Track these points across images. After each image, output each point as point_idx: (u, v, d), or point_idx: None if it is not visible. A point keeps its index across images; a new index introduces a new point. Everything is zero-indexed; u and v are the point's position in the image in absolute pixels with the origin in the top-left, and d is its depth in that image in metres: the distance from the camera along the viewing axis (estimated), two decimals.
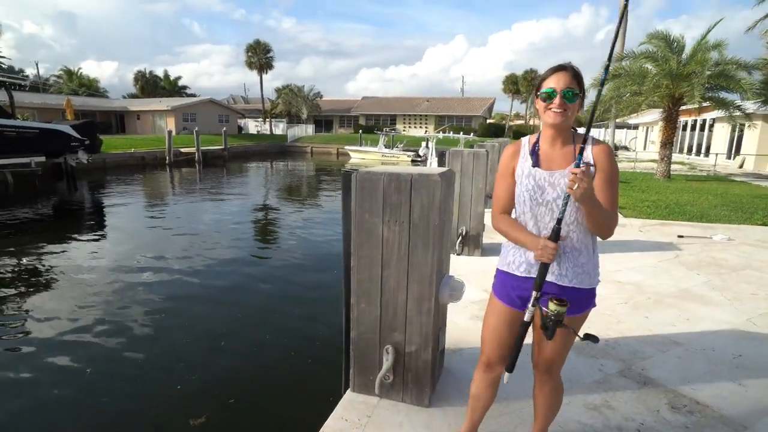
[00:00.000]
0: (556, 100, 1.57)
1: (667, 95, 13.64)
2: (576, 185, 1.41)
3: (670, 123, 14.11)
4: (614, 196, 1.62)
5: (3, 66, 39.17)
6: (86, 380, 4.00)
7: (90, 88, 46.22)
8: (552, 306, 1.48)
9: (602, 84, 1.77)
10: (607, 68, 1.71)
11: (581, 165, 1.43)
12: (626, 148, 34.52)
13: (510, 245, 1.76)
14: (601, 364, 2.84)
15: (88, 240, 9.24)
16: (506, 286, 1.75)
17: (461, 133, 30.70)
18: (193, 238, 9.20)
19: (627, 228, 7.00)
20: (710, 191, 11.29)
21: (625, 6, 1.71)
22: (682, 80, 12.95)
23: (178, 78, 53.54)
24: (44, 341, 4.67)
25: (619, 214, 8.10)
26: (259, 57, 46.23)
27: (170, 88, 51.17)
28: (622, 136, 37.95)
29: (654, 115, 23.03)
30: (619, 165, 19.90)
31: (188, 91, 54.53)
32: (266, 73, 47.77)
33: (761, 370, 2.79)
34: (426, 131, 45.37)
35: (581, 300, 1.67)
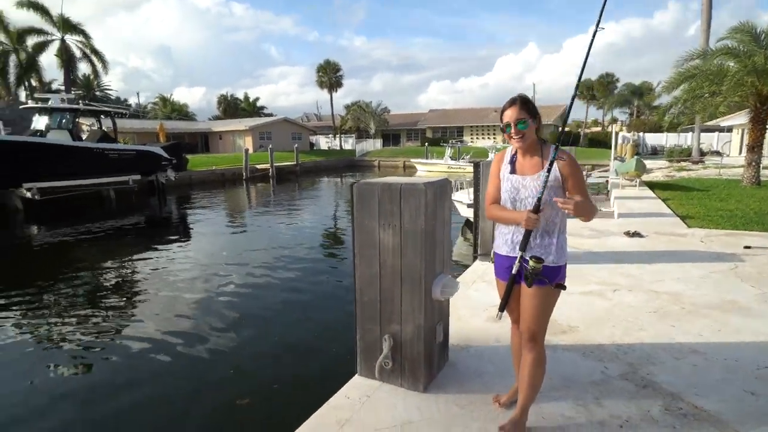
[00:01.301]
0: (513, 132, 2.04)
1: (752, 93, 12.49)
2: (568, 210, 1.89)
3: (759, 124, 12.85)
4: (586, 192, 2.05)
5: (111, 97, 44.84)
6: (164, 362, 4.69)
7: (180, 112, 51.34)
8: (531, 263, 1.99)
9: (572, 99, 2.11)
10: (576, 86, 2.04)
11: (558, 202, 1.92)
12: (718, 153, 31.45)
13: (498, 234, 2.22)
14: (605, 366, 2.89)
15: (174, 247, 10.45)
16: (497, 264, 2.25)
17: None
18: (264, 247, 10.05)
19: (687, 238, 6.61)
20: None
21: (596, 31, 2.00)
22: None
23: (257, 99, 57.73)
24: (126, 332, 5.50)
25: (683, 222, 7.60)
26: (329, 76, 48.53)
27: (249, 108, 55.26)
28: (713, 140, 34.65)
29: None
30: (703, 171, 18.37)
31: (266, 111, 58.53)
32: (336, 91, 50.01)
33: None
34: (494, 141, 44.68)
35: (548, 274, 2.04)
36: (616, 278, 4.70)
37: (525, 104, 2.03)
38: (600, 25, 2.02)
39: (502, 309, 2.16)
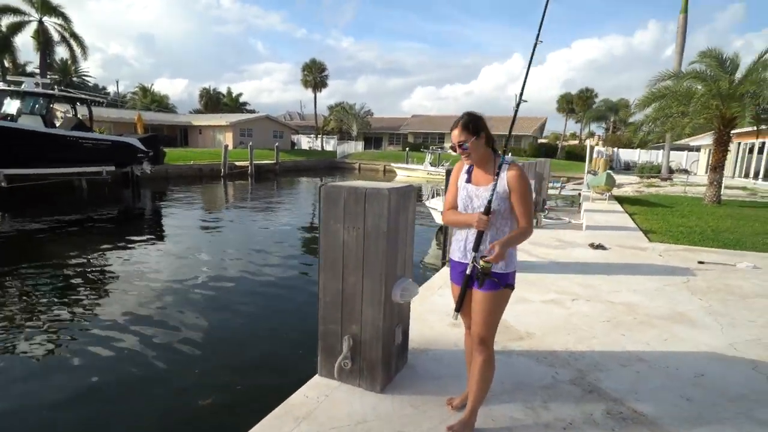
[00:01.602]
0: (459, 151, 2.21)
1: (716, 116, 13.09)
2: (493, 259, 2.06)
3: (721, 145, 13.47)
4: (527, 208, 2.17)
5: (88, 84, 43.64)
6: (127, 360, 4.63)
7: (160, 104, 50.38)
8: (482, 263, 2.12)
9: (514, 116, 2.26)
10: (518, 105, 2.20)
11: (487, 254, 2.10)
12: (686, 171, 32.68)
13: (453, 240, 2.37)
14: (556, 371, 3.03)
15: (145, 241, 10.28)
16: (452, 268, 2.41)
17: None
18: (237, 245, 9.98)
19: (647, 252, 6.90)
20: (760, 218, 10.68)
21: (535, 44, 2.18)
22: (734, 101, 12.41)
23: (240, 95, 57.12)
24: (90, 328, 5.41)
25: (645, 236, 7.78)
26: (314, 76, 48.36)
27: (232, 104, 54.61)
28: (682, 159, 35.97)
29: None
30: (671, 189, 19.08)
31: (248, 107, 57.96)
32: (320, 91, 49.82)
33: (717, 390, 2.87)
34: None
35: (494, 281, 2.17)
36: (576, 288, 4.89)
37: (465, 126, 2.18)
38: (540, 39, 2.28)
39: (457, 309, 2.28)
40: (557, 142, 53.84)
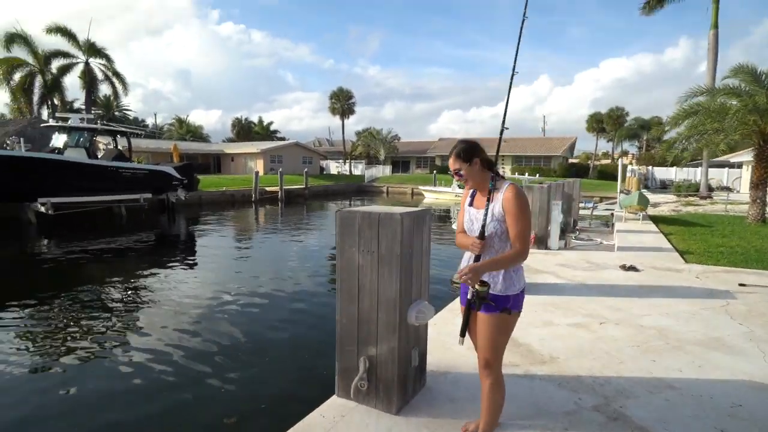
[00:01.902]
0: (456, 178, 2.30)
1: (755, 132, 12.61)
2: (460, 278, 2.09)
3: (762, 161, 12.91)
4: (521, 229, 2.14)
5: (129, 117, 46.15)
6: (158, 378, 4.77)
7: (195, 134, 52.58)
8: (477, 287, 2.12)
9: (499, 141, 2.38)
10: (502, 126, 2.30)
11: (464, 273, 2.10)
12: (728, 189, 31.28)
13: (461, 263, 2.37)
14: (579, 397, 2.94)
15: (179, 263, 10.64)
16: (461, 290, 2.35)
17: (526, 174, 30.44)
18: (267, 268, 10.18)
19: (683, 273, 6.62)
20: None
21: (512, 75, 2.32)
22: None
23: (270, 123, 59.06)
24: (125, 342, 5.62)
25: (681, 257, 7.50)
26: (342, 103, 49.56)
27: (263, 132, 56.45)
28: (722, 176, 34.53)
29: None
30: (711, 207, 18.29)
31: (279, 135, 59.73)
32: (348, 117, 50.93)
33: (756, 422, 2.70)
34: (502, 170, 44.95)
35: (494, 303, 2.16)
36: (605, 311, 4.74)
37: (458, 155, 2.26)
38: (516, 70, 2.48)
39: (462, 334, 2.24)
40: (588, 162, 52.76)
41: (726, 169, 34.93)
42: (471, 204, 2.35)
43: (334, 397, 2.84)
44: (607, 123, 50.40)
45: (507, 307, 2.18)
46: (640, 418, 2.69)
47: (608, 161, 57.34)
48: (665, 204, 20.21)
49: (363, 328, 2.69)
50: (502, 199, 2.17)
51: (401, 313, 2.58)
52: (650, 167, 38.32)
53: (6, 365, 5.05)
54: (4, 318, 6.54)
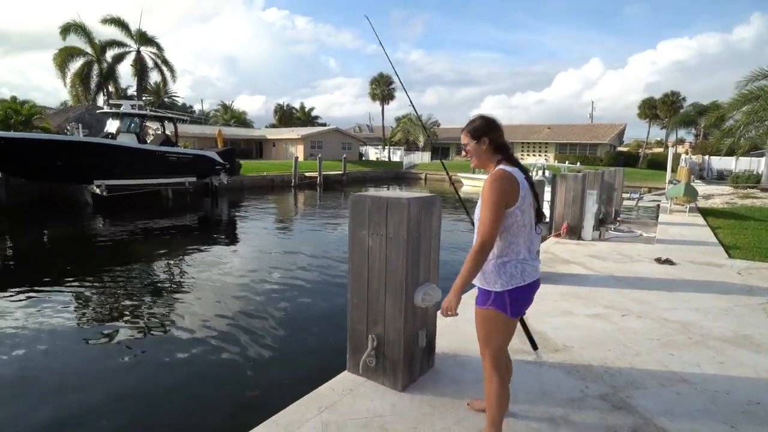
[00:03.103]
0: (463, 153, 2.26)
1: None
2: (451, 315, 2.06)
3: None
4: (482, 219, 1.99)
5: (177, 104, 48.01)
6: (193, 354, 5.14)
7: (239, 119, 54.16)
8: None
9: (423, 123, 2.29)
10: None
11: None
12: None
13: None
14: (587, 385, 2.95)
15: (221, 244, 11.20)
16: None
17: (566, 162, 29.46)
18: (303, 250, 10.55)
19: (723, 269, 6.32)
20: None
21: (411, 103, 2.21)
22: None
23: (312, 109, 59.93)
24: (165, 319, 6.05)
25: (726, 252, 7.09)
26: (382, 89, 49.39)
27: (304, 118, 57.38)
28: None
29: None
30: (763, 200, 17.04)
31: (320, 121, 60.52)
32: (388, 103, 50.71)
33: None
34: (545, 158, 43.64)
35: (479, 295, 2.14)
36: (629, 303, 4.64)
37: (469, 131, 2.17)
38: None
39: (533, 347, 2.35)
40: (639, 151, 50.20)
41: None
42: None
43: (345, 373, 3.00)
44: (661, 109, 47.58)
45: (487, 304, 2.07)
46: (645, 409, 2.69)
47: (661, 150, 54.29)
48: (719, 196, 19.03)
49: (372, 308, 2.81)
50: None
51: (408, 294, 2.68)
52: (706, 156, 35.99)
53: (60, 333, 5.57)
54: (63, 291, 7.17)
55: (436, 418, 2.51)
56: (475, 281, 2.11)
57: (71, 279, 7.74)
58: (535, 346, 2.79)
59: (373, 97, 50.50)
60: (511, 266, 2.05)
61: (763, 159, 27.63)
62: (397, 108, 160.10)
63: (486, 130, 2.14)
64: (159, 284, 7.75)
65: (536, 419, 2.55)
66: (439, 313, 2.31)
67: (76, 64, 30.29)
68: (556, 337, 3.71)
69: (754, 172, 29.14)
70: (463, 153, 2.26)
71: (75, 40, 29.66)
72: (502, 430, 2.25)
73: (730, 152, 22.15)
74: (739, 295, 5.09)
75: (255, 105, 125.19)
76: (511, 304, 2.05)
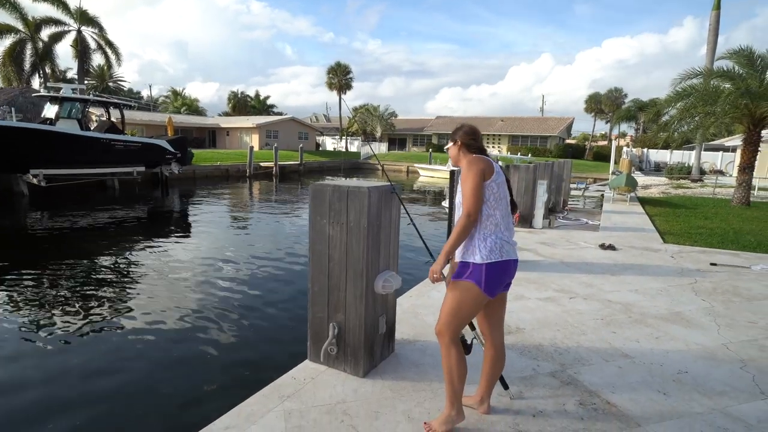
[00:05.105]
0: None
1: (746, 115, 12.70)
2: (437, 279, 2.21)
3: (751, 146, 13.05)
4: (463, 191, 2.19)
5: (123, 89, 45.43)
6: (143, 348, 4.96)
7: (190, 107, 51.93)
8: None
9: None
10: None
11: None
12: (720, 173, 31.42)
13: None
14: (538, 364, 3.13)
15: (171, 238, 10.77)
16: None
17: (518, 153, 30.53)
18: (258, 242, 10.34)
19: (659, 253, 6.82)
20: None
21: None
22: (764, 99, 12.01)
23: (267, 97, 58.28)
24: (114, 314, 5.79)
25: (661, 237, 7.62)
26: (339, 78, 49.01)
27: (259, 106, 55.79)
28: (716, 159, 34.63)
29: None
30: (700, 190, 18.48)
31: (276, 110, 59.05)
32: (345, 93, 50.44)
33: (697, 386, 2.90)
34: (498, 150, 44.95)
35: (458, 269, 2.27)
36: (576, 287, 4.93)
37: (451, 134, 2.45)
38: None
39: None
40: (585, 143, 52.69)
41: (720, 153, 35.03)
42: None
43: (306, 362, 3.01)
44: (605, 104, 50.20)
45: (464, 276, 2.21)
46: (590, 383, 2.89)
47: (605, 143, 57.24)
48: (656, 186, 20.37)
49: (332, 295, 2.84)
50: None
51: (368, 282, 2.73)
52: (645, 149, 38.34)
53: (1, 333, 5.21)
54: None
55: (397, 401, 2.58)
56: (456, 257, 2.25)
57: (4, 277, 7.23)
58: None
59: (330, 86, 50.02)
60: (491, 241, 2.20)
61: (693, 152, 29.84)
62: (354, 98, 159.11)
63: (456, 133, 2.42)
64: (106, 280, 7.37)
65: (492, 397, 2.68)
66: (398, 299, 2.39)
67: (5, 42, 27.94)
68: (510, 320, 3.89)
69: (686, 164, 31.40)
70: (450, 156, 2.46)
71: (4, 16, 27.31)
72: (462, 406, 2.36)
73: (666, 146, 23.75)
74: (672, 277, 5.52)
75: (208, 92, 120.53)
76: (486, 281, 2.18)
